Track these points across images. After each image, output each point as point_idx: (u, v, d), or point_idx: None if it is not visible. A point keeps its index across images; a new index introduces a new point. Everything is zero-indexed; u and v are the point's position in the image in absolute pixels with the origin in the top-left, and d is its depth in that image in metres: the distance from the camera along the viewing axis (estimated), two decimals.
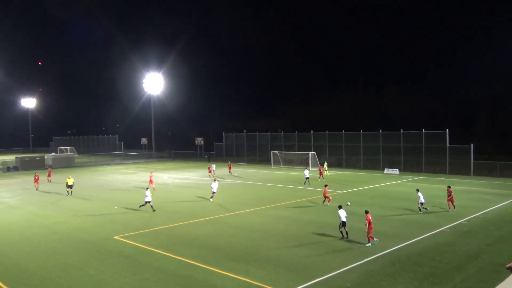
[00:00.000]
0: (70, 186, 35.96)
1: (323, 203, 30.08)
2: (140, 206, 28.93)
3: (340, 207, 21.00)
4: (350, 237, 20.55)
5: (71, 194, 35.75)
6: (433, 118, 78.54)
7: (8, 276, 16.27)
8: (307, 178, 41.09)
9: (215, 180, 33.72)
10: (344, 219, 20.51)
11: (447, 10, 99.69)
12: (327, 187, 30.70)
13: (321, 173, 43.78)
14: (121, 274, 16.30)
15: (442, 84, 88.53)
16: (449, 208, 27.02)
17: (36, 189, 39.62)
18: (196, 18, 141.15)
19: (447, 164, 48.94)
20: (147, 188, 30.16)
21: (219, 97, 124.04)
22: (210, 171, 49.37)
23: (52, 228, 24.28)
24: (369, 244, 19.43)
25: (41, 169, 63.55)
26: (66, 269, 17.04)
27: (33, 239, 21.83)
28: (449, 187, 27.80)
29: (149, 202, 28.23)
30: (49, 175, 48.08)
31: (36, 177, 40.88)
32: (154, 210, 28.19)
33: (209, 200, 32.21)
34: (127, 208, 29.99)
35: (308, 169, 43.36)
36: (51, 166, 59.33)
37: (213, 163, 56.48)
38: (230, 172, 51.69)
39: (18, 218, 27.49)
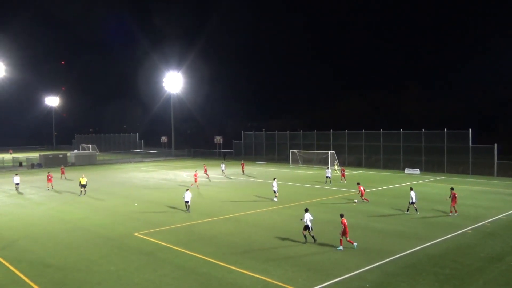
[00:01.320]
0: (83, 186, 35.49)
1: (363, 198, 30.25)
2: (187, 207, 27.75)
3: (306, 210, 20.15)
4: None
5: (84, 194, 35.35)
6: (456, 117, 77.11)
7: (32, 271, 16.66)
8: (328, 177, 40.94)
9: (274, 178, 33.02)
10: (308, 223, 19.52)
11: (470, 9, 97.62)
12: (360, 184, 30.69)
13: (343, 175, 42.90)
14: (141, 271, 16.52)
15: (465, 83, 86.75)
16: (451, 212, 25.84)
17: (48, 189, 38.97)
18: (216, 18, 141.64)
19: (470, 164, 47.98)
20: (187, 189, 28.79)
21: (238, 96, 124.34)
22: (206, 171, 47.85)
23: (74, 224, 24.76)
24: (341, 247, 18.68)
25: (64, 166, 64.94)
26: (87, 264, 17.36)
27: (56, 235, 22.31)
28: (452, 188, 26.48)
29: (187, 201, 27.55)
30: (62, 173, 49.03)
31: (49, 177, 40.06)
32: (187, 211, 27.52)
33: (273, 200, 31.47)
34: (147, 206, 30.37)
35: (330, 169, 43.10)
36: (64, 164, 60.12)
37: (222, 162, 56.17)
38: (243, 171, 51.29)
39: (41, 214, 28.12)
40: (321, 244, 19.64)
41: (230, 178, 46.57)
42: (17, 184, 38.49)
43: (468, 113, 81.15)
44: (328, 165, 53.24)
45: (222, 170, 50.91)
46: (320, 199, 32.29)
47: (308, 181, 43.46)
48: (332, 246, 19.27)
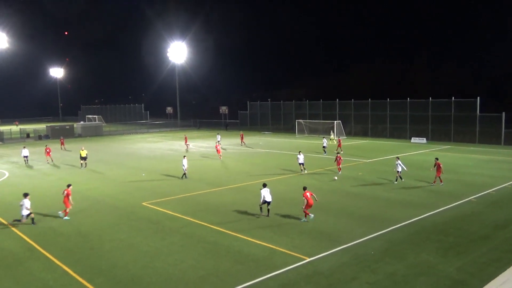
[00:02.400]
0: (84, 158, 34.72)
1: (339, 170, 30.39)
2: (182, 176, 29.32)
3: (264, 185, 19.58)
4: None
5: (85, 167, 34.67)
6: (464, 86, 76.08)
7: (45, 240, 17.06)
8: (324, 147, 40.89)
9: (300, 152, 31.64)
10: (268, 199, 19.12)
11: None
12: (339, 154, 31.68)
13: (339, 145, 41.71)
14: (150, 239, 16.87)
15: (474, 50, 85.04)
16: (434, 181, 25.62)
17: (48, 162, 38.02)
18: None
19: (477, 133, 47.77)
20: (184, 157, 30.23)
21: (243, 66, 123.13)
22: (186, 141, 48.50)
23: (83, 194, 25.13)
24: (305, 219, 18.58)
25: (70, 137, 65.43)
26: (98, 233, 17.75)
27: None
28: (436, 159, 26.20)
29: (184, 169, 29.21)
30: (62, 144, 49.39)
31: (47, 150, 38.37)
32: (182, 178, 29.13)
33: (303, 172, 30.37)
34: (154, 176, 30.69)
35: (326, 138, 43.01)
36: (63, 136, 59.25)
37: (218, 133, 54.63)
38: (242, 142, 50.19)
39: (51, 184, 28.54)
40: (328, 213, 19.87)
41: (224, 149, 45.21)
42: (26, 157, 37.82)
43: (476, 81, 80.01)
44: (333, 135, 52.99)
45: (218, 141, 48.64)
46: (324, 168, 32.42)
47: (313, 151, 43.50)
48: (338, 215, 19.50)
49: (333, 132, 54.64)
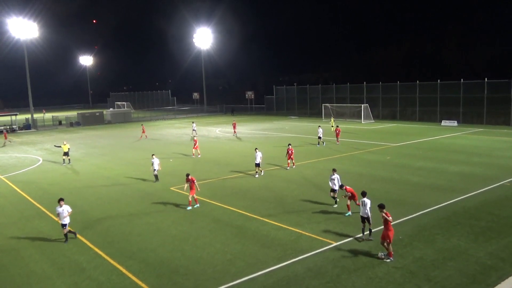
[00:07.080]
0: (66, 154, 31.61)
1: (288, 166, 27.17)
2: (156, 177, 24.78)
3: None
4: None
5: (69, 163, 31.67)
6: (497, 66, 73.28)
7: (77, 223, 17.60)
8: (320, 137, 35.60)
9: (256, 148, 25.59)
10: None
11: None
12: (290, 145, 27.04)
13: (338, 135, 36.65)
14: (178, 223, 17.19)
15: (506, 28, 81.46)
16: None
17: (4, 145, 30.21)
18: None
19: (511, 115, 46.12)
20: (153, 155, 25.66)
21: (269, 50, 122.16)
22: (144, 132, 45.66)
23: (113, 180, 25.77)
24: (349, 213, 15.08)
25: (100, 124, 66.93)
26: (128, 217, 18.20)
27: (97, 190, 23.36)
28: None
29: (155, 170, 24.68)
30: (5, 137, 45.83)
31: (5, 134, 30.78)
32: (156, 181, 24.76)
33: (255, 176, 25.07)
34: (181, 161, 31.10)
35: (321, 128, 36.69)
36: (6, 130, 53.94)
37: (193, 121, 51.28)
38: (235, 132, 46.27)
39: (83, 170, 29.36)
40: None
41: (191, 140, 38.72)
42: None
43: (510, 61, 76.91)
44: (333, 120, 48.69)
45: (193, 129, 45.11)
46: (350, 153, 32.10)
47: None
48: None
49: (333, 117, 53.01)
